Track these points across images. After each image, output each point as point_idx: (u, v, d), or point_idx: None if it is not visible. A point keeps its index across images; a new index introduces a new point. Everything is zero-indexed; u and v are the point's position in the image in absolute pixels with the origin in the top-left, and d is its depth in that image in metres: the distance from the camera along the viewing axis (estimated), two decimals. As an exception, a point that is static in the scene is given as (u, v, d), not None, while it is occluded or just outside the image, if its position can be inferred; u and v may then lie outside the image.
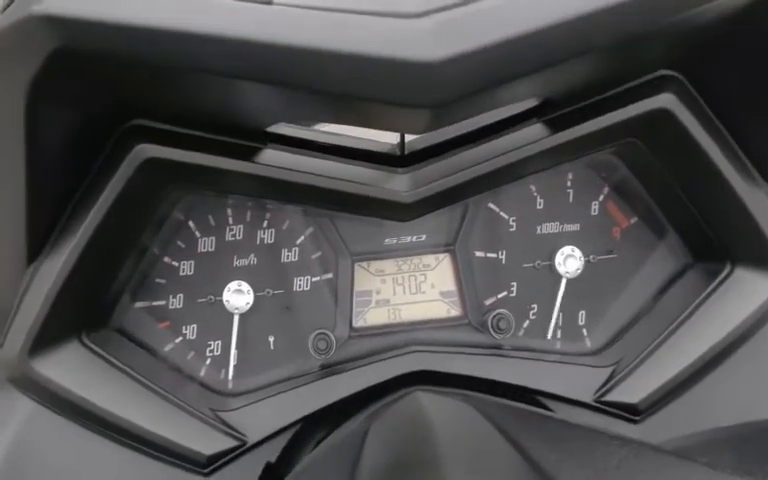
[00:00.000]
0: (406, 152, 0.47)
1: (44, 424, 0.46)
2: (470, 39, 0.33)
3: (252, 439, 0.47)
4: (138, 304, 0.49)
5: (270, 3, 0.32)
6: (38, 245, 0.42)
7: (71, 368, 0.44)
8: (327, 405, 0.48)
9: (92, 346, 0.45)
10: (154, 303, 0.50)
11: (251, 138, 0.43)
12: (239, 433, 0.47)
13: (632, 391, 0.47)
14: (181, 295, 0.50)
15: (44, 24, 0.33)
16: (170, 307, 0.50)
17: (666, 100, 0.42)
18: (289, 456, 0.48)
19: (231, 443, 0.46)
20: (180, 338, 0.50)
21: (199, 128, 0.41)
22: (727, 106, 0.43)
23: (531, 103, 0.45)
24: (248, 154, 0.43)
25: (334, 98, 0.34)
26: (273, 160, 0.43)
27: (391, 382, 0.48)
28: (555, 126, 0.43)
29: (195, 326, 0.50)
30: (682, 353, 0.47)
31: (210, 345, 0.50)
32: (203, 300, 0.50)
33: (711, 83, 0.42)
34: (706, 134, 0.42)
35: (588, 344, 0.52)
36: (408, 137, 0.48)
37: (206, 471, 0.46)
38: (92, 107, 0.38)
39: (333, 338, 0.49)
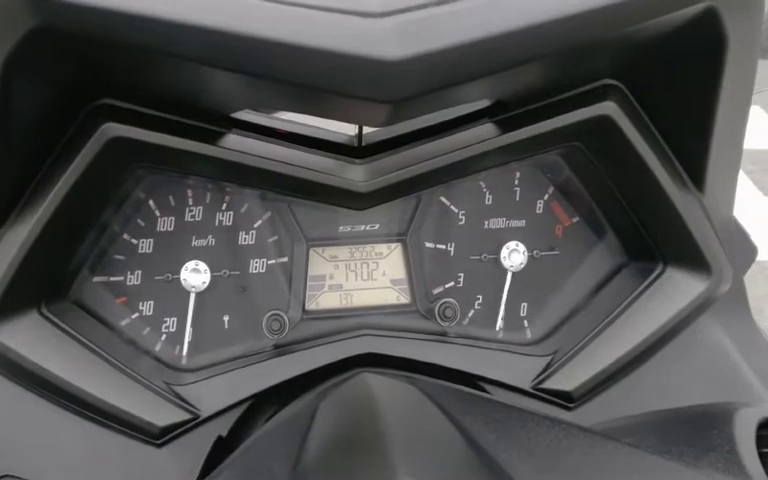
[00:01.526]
0: (363, 144, 0.49)
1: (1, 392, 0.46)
2: (428, 41, 0.35)
3: (205, 413, 0.48)
4: (96, 278, 0.50)
5: None
6: (1, 216, 0.43)
7: (29, 337, 0.45)
8: (278, 383, 0.50)
9: (50, 317, 0.46)
10: (112, 278, 0.51)
11: (215, 123, 0.44)
12: (192, 406, 0.48)
13: (567, 380, 0.50)
14: (139, 272, 0.51)
15: (25, 2, 0.34)
16: (128, 283, 0.51)
17: (608, 107, 0.45)
18: (240, 431, 0.50)
19: (184, 416, 0.48)
20: (137, 314, 0.51)
21: (166, 110, 0.43)
22: (663, 116, 0.46)
23: (484, 104, 0.48)
24: (211, 138, 0.44)
25: (298, 88, 0.36)
26: (235, 145, 0.45)
27: (341, 363, 0.50)
28: (505, 126, 0.46)
29: (152, 303, 0.51)
30: (615, 345, 0.50)
31: (166, 322, 0.52)
32: (160, 278, 0.51)
33: (650, 94, 0.45)
34: (643, 141, 0.45)
35: (528, 335, 0.55)
36: (366, 130, 0.50)
37: (159, 442, 0.47)
38: (62, 83, 0.39)
39: (287, 319, 0.51)
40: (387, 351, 0.50)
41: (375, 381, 0.44)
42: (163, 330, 0.52)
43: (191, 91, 0.41)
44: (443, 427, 0.39)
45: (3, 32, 0.34)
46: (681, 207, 0.46)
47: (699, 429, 0.39)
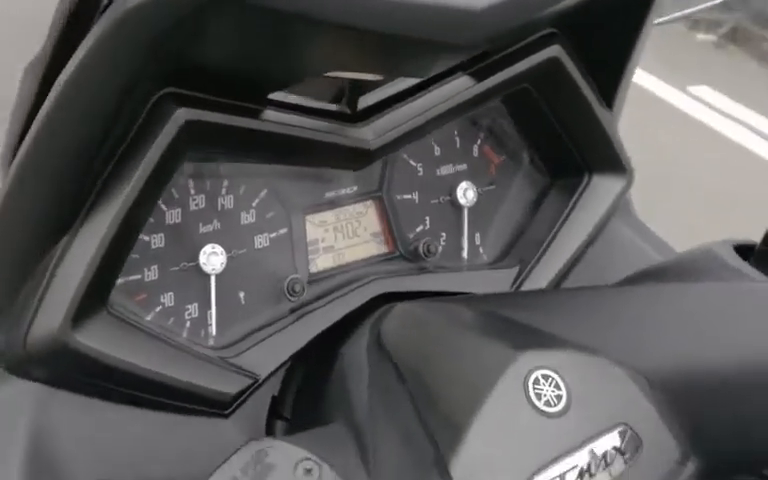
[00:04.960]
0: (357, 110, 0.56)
1: (61, 407, 0.46)
2: None
3: (262, 376, 0.52)
4: (118, 280, 0.51)
5: None
6: (71, 217, 0.43)
7: (105, 336, 0.45)
8: (312, 339, 0.55)
9: (114, 312, 0.47)
10: (130, 278, 0.52)
11: (257, 102, 0.49)
12: (250, 372, 0.51)
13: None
14: (155, 266, 0.53)
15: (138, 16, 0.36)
16: (145, 280, 0.53)
17: (555, 50, 0.57)
18: (288, 389, 0.54)
19: (246, 381, 0.51)
20: (159, 307, 0.53)
21: (218, 95, 0.46)
22: (592, 54, 0.59)
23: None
24: (259, 115, 0.48)
25: (386, 44, 0.42)
26: (280, 119, 0.49)
27: (365, 306, 0.56)
28: (480, 76, 0.56)
29: (172, 294, 0.54)
30: (562, 251, 0.63)
31: (188, 309, 0.54)
32: (176, 268, 0.54)
33: (581, 37, 0.58)
34: (579, 75, 0.58)
35: (485, 259, 0.66)
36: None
37: (227, 412, 0.50)
38: (131, 74, 0.42)
39: (304, 281, 0.56)
40: (395, 289, 0.58)
41: (420, 305, 0.52)
42: (186, 317, 0.54)
43: (241, 67, 0.45)
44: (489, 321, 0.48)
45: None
46: (605, 124, 0.60)
47: (678, 273, 0.53)
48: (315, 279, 0.59)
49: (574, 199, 0.63)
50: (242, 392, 0.51)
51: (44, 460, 0.45)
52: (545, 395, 0.42)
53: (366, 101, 0.56)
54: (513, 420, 0.41)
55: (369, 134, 0.55)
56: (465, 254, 0.65)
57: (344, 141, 0.53)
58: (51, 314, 0.43)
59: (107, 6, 0.37)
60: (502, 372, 0.42)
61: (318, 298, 0.57)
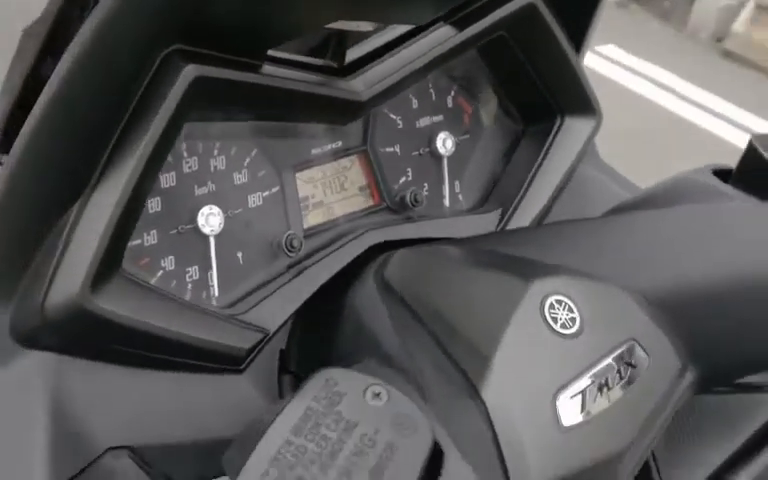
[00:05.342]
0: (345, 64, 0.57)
1: (77, 374, 0.46)
2: None
3: (271, 331, 0.52)
4: None
5: None
6: (84, 181, 0.42)
7: (123, 297, 0.45)
8: (314, 292, 0.55)
9: (128, 275, 0.46)
10: (131, 243, 0.52)
11: (258, 58, 0.49)
12: (260, 327, 0.52)
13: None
14: (154, 231, 0.53)
15: None
16: (146, 244, 0.52)
17: None
18: (293, 342, 0.55)
19: (258, 336, 0.51)
20: (161, 271, 0.53)
21: (223, 51, 0.46)
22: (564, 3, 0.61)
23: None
24: (261, 70, 0.49)
25: None
26: (282, 73, 0.50)
27: (360, 257, 0.57)
28: (461, 25, 0.58)
29: (172, 257, 0.53)
30: (541, 193, 0.66)
31: (189, 271, 0.54)
32: (174, 232, 0.53)
33: None
34: (553, 19, 0.60)
35: (465, 206, 0.68)
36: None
37: (242, 367, 0.51)
38: (150, 32, 0.41)
39: (301, 237, 0.57)
40: (388, 238, 0.59)
41: (420, 250, 0.53)
42: (188, 280, 0.54)
43: (253, 22, 0.45)
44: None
45: None
46: (576, 67, 0.63)
47: (663, 200, 0.56)
48: (309, 234, 0.59)
49: (549, 141, 0.66)
50: (254, 347, 0.51)
51: (67, 428, 0.45)
52: (560, 318, 0.44)
53: (352, 55, 0.57)
54: (534, 343, 0.44)
55: (360, 86, 0.55)
56: (447, 202, 0.67)
57: (338, 93, 0.54)
58: (69, 279, 0.43)
59: None
60: (519, 300, 0.45)
61: (314, 252, 0.58)
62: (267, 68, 0.50)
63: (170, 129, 0.45)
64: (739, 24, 4.32)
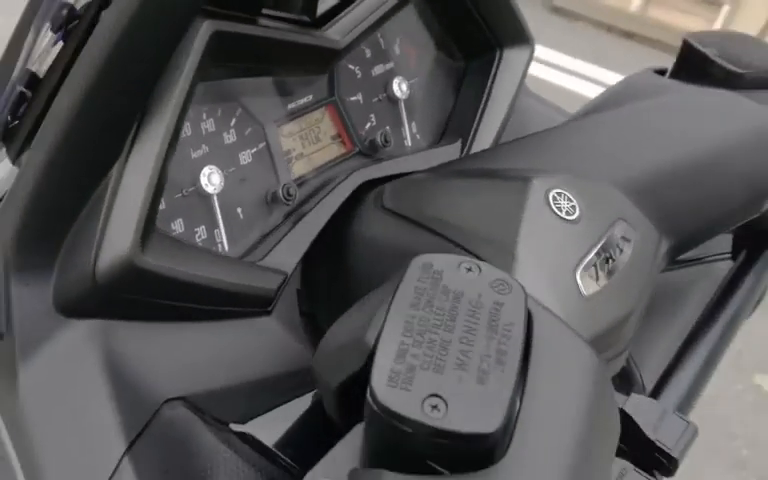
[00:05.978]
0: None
1: (126, 335, 0.47)
2: None
3: (288, 272, 0.55)
4: None
5: None
6: (121, 144, 0.43)
7: (166, 252, 0.47)
8: (318, 233, 0.59)
9: (163, 230, 0.48)
10: None
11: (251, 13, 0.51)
12: (279, 270, 0.55)
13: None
14: (162, 198, 0.54)
15: None
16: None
17: None
18: (307, 280, 0.58)
19: (280, 277, 0.54)
20: (173, 234, 0.54)
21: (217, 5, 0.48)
22: None
23: None
24: (261, 23, 0.51)
25: None
26: (286, 27, 0.53)
27: (352, 196, 0.61)
28: None
29: (180, 220, 0.55)
30: (492, 124, 0.72)
31: (197, 232, 0.55)
32: (179, 195, 0.55)
33: None
34: None
35: (423, 145, 0.73)
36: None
37: (270, 308, 0.53)
38: None
39: (295, 185, 0.60)
40: (374, 176, 0.63)
41: (412, 178, 0.58)
42: (197, 240, 0.55)
43: None
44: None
45: None
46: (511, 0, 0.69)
47: (616, 101, 0.63)
48: (298, 183, 0.62)
49: (492, 73, 0.72)
50: (279, 287, 0.54)
51: (125, 388, 0.46)
52: (564, 208, 0.51)
53: (321, 8, 0.60)
54: (547, 230, 0.50)
55: (336, 35, 0.59)
56: (408, 142, 0.71)
57: (319, 42, 0.57)
58: (118, 240, 0.44)
59: None
60: (527, 197, 0.50)
61: (307, 199, 0.61)
62: (263, 22, 0.52)
63: (192, 87, 0.47)
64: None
